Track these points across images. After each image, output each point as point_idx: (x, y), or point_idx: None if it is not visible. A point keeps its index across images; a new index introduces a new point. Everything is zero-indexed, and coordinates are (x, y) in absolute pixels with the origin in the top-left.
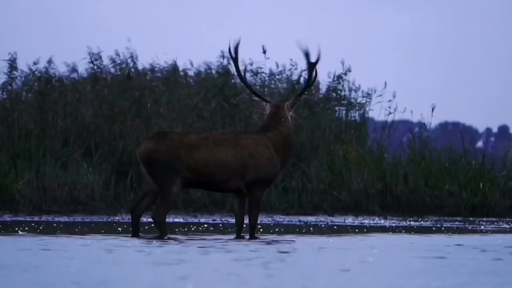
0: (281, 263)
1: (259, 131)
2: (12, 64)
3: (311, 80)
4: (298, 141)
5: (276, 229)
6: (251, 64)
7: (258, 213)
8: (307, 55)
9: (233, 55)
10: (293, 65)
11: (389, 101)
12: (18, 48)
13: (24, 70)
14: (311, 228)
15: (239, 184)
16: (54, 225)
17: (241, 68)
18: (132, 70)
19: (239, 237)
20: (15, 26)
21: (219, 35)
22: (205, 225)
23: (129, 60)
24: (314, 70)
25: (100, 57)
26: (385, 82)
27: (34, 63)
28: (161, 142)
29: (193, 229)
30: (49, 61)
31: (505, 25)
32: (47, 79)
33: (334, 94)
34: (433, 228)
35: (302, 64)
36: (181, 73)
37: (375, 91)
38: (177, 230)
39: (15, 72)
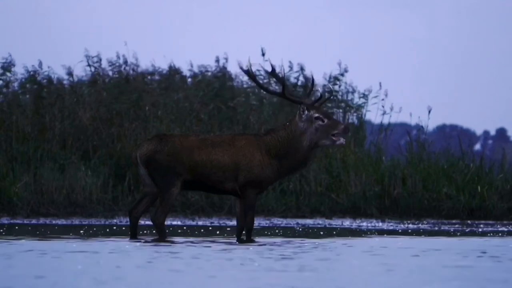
0: (281, 265)
1: (257, 134)
2: (9, 67)
3: (312, 87)
4: None
5: (276, 232)
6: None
7: (253, 215)
8: (273, 70)
9: (251, 73)
10: (290, 68)
11: (382, 99)
12: (15, 50)
13: (22, 73)
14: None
15: (234, 186)
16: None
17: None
18: (131, 72)
19: (239, 240)
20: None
21: (217, 38)
22: (203, 228)
23: (127, 63)
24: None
25: (100, 60)
26: (380, 83)
27: (32, 66)
28: (163, 144)
29: (189, 232)
30: (47, 64)
31: (503, 28)
32: (45, 82)
33: (331, 96)
34: (431, 231)
35: (296, 66)
36: (179, 76)
37: (370, 91)
38: (175, 232)
39: (12, 75)
